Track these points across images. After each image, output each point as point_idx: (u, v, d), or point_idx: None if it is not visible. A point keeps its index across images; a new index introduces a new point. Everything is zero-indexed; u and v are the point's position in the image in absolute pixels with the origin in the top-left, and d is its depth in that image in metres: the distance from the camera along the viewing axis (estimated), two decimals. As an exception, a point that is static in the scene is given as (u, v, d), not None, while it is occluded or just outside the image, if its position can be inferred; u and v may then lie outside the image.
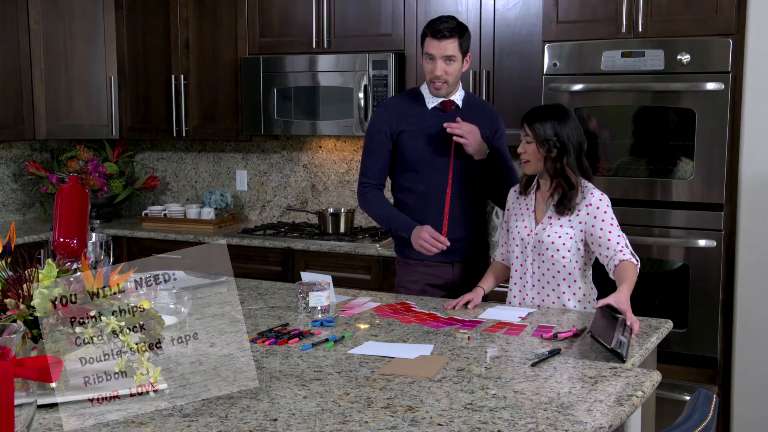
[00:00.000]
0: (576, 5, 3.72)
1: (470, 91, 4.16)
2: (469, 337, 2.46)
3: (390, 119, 3.27)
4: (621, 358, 2.23)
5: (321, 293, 2.72)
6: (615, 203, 3.63)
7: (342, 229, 4.52)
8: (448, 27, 3.13)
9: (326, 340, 2.41)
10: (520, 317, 2.71)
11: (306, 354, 2.29)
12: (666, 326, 2.65)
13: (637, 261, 2.77)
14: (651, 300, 3.68)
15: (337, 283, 3.21)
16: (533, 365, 2.19)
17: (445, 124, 3.15)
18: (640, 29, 3.61)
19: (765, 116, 3.46)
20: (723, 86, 3.44)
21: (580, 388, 2.01)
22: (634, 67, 3.59)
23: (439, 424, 1.76)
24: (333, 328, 2.57)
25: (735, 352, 3.56)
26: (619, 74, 3.63)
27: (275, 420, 1.79)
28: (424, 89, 3.29)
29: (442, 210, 3.24)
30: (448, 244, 3.14)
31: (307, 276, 2.84)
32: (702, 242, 3.54)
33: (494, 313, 2.77)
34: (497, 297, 3.48)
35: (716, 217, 3.53)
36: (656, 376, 2.12)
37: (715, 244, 3.52)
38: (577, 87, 3.69)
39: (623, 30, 3.64)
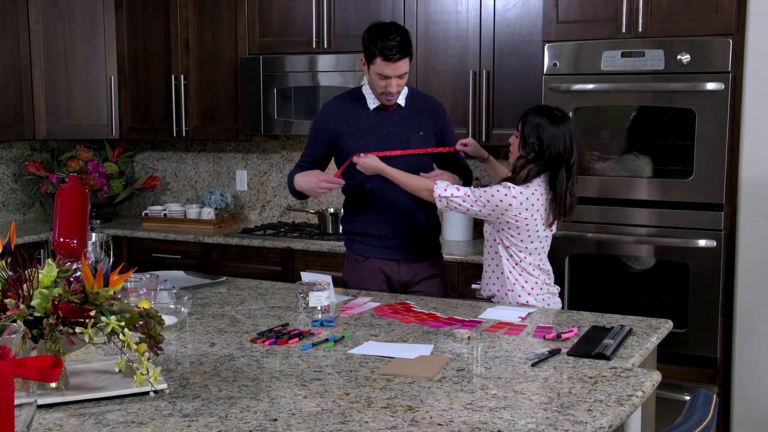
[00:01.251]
0: (576, 5, 3.72)
1: (471, 91, 4.17)
2: (469, 337, 2.46)
3: (330, 121, 3.29)
4: (605, 357, 2.24)
5: (321, 293, 2.72)
6: (615, 203, 3.66)
7: (342, 229, 4.51)
8: (400, 46, 3.08)
9: (326, 340, 2.41)
10: (520, 317, 2.72)
11: (306, 354, 2.29)
12: (666, 326, 2.65)
13: (437, 198, 2.97)
14: (651, 300, 3.68)
15: (337, 283, 3.21)
16: (533, 365, 2.19)
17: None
18: (640, 29, 3.61)
19: (765, 116, 3.46)
20: (723, 86, 3.44)
21: (580, 388, 2.01)
22: (634, 67, 3.59)
23: (439, 424, 1.76)
24: (333, 328, 2.57)
25: (735, 352, 3.56)
26: (619, 74, 3.63)
27: (275, 420, 1.79)
28: (367, 91, 3.28)
29: (393, 206, 3.26)
30: (343, 182, 3.19)
31: (307, 276, 2.84)
32: (702, 242, 3.53)
33: (494, 313, 2.77)
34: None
35: (716, 217, 3.53)
36: (656, 376, 2.12)
37: (715, 244, 3.52)
38: (577, 87, 3.69)
39: (623, 30, 3.64)
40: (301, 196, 3.39)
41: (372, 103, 3.27)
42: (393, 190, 3.22)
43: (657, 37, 3.58)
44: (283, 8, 4.61)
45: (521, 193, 2.89)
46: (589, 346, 2.33)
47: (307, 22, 4.53)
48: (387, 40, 3.07)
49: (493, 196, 2.89)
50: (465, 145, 3.30)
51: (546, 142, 2.90)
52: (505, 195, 2.88)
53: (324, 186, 3.19)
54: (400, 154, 3.21)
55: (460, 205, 2.95)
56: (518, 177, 2.93)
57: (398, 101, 3.28)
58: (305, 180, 3.24)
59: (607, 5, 3.67)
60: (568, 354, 2.28)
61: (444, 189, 2.96)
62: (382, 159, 3.16)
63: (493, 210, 2.90)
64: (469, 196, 2.93)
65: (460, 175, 3.37)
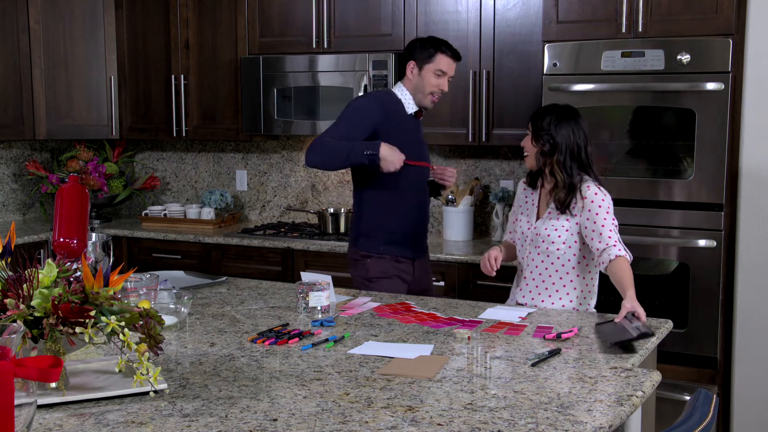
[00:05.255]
0: (576, 5, 3.72)
1: (471, 91, 4.17)
2: (469, 337, 2.46)
3: (380, 112, 3.33)
4: (649, 335, 2.36)
5: (321, 293, 2.72)
6: (615, 203, 3.64)
7: (342, 229, 4.52)
8: (458, 51, 3.38)
9: (326, 340, 2.41)
10: (520, 317, 2.72)
11: (306, 354, 2.29)
12: (666, 326, 2.65)
13: (630, 257, 2.82)
14: (651, 300, 3.68)
15: (337, 283, 3.21)
16: (533, 365, 2.19)
17: (438, 178, 3.47)
18: (640, 29, 3.61)
19: (765, 116, 3.46)
20: (723, 86, 3.44)
21: (580, 388, 2.01)
22: (634, 67, 3.59)
23: (439, 424, 1.76)
24: (333, 328, 2.57)
25: (735, 352, 3.56)
26: (619, 74, 3.63)
27: (275, 420, 1.79)
28: (403, 94, 3.39)
29: (420, 206, 3.45)
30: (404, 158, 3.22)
31: (307, 276, 2.84)
32: (702, 242, 3.53)
33: (494, 313, 2.77)
34: (498, 298, 3.48)
35: (716, 217, 3.53)
36: (656, 376, 2.12)
37: (715, 244, 3.52)
38: (577, 87, 3.69)
39: (623, 30, 3.64)
40: (332, 166, 3.30)
41: (409, 108, 3.39)
42: (418, 193, 3.44)
43: (657, 37, 3.58)
44: (283, 8, 4.61)
45: (600, 189, 2.93)
46: (623, 334, 2.38)
47: (307, 22, 4.53)
48: (446, 42, 3.38)
49: (609, 212, 2.88)
50: (447, 171, 3.46)
51: (558, 134, 2.93)
52: (603, 200, 2.90)
53: (400, 166, 3.20)
54: (422, 165, 3.39)
55: (625, 247, 2.89)
56: (576, 185, 2.91)
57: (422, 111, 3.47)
58: (391, 153, 3.17)
59: (607, 5, 3.67)
60: (611, 347, 2.33)
61: (625, 254, 2.82)
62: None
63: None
64: (615, 226, 2.87)
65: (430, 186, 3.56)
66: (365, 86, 4.31)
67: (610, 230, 2.83)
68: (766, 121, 3.46)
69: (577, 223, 2.90)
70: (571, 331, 2.48)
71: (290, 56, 4.56)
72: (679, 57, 3.51)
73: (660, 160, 3.65)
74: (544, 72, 3.78)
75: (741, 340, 3.55)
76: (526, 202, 3.09)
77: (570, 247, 2.92)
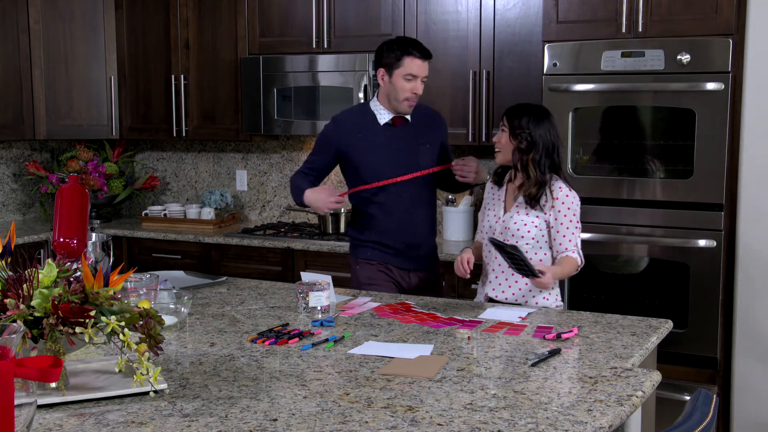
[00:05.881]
0: (576, 5, 3.72)
1: (471, 91, 4.17)
2: (469, 337, 2.46)
3: (339, 134, 3.32)
4: (532, 273, 2.70)
5: (321, 293, 2.72)
6: (614, 203, 3.66)
7: (342, 229, 4.52)
8: (426, 49, 3.25)
9: (326, 340, 2.41)
10: (520, 317, 2.72)
11: (306, 354, 2.30)
12: (666, 326, 2.65)
13: (581, 262, 2.94)
14: (651, 300, 3.68)
15: (337, 283, 3.21)
16: (533, 365, 2.19)
17: (458, 174, 3.30)
18: (640, 29, 3.61)
19: (765, 116, 3.46)
20: (723, 86, 3.44)
21: (580, 388, 2.01)
22: (634, 67, 3.59)
23: (439, 424, 1.76)
24: (333, 328, 2.58)
25: (735, 352, 3.56)
26: (619, 74, 3.63)
27: (275, 420, 1.79)
28: (376, 106, 3.32)
29: (405, 218, 3.33)
30: (345, 200, 3.28)
31: (307, 276, 2.84)
32: (702, 242, 3.53)
33: (494, 313, 2.78)
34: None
35: (716, 217, 3.53)
36: (656, 376, 2.12)
37: (715, 244, 3.52)
38: (577, 87, 3.69)
39: (623, 30, 3.64)
40: (304, 205, 3.41)
41: (382, 118, 3.31)
42: (404, 203, 3.31)
43: (657, 37, 3.58)
44: (283, 8, 4.61)
45: (572, 191, 2.98)
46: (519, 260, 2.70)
47: (307, 22, 4.53)
48: (413, 42, 3.24)
49: (576, 215, 2.94)
50: (465, 165, 3.32)
51: (536, 133, 2.96)
52: (572, 202, 2.94)
53: (332, 207, 3.27)
54: (407, 178, 3.27)
55: (582, 253, 2.98)
56: (546, 182, 2.95)
57: (407, 116, 3.34)
58: (315, 198, 3.27)
59: (607, 5, 3.67)
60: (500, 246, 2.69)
61: (577, 257, 2.93)
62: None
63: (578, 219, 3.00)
64: (578, 229, 2.95)
65: (453, 183, 3.44)
66: (365, 86, 4.32)
67: (573, 233, 2.94)
68: (766, 121, 3.46)
69: (546, 221, 2.96)
70: (571, 331, 2.48)
71: (290, 56, 4.57)
72: (679, 57, 3.50)
73: (660, 160, 3.65)
74: (544, 72, 3.78)
75: (741, 340, 3.55)
76: (493, 198, 3.13)
77: (537, 241, 2.97)
